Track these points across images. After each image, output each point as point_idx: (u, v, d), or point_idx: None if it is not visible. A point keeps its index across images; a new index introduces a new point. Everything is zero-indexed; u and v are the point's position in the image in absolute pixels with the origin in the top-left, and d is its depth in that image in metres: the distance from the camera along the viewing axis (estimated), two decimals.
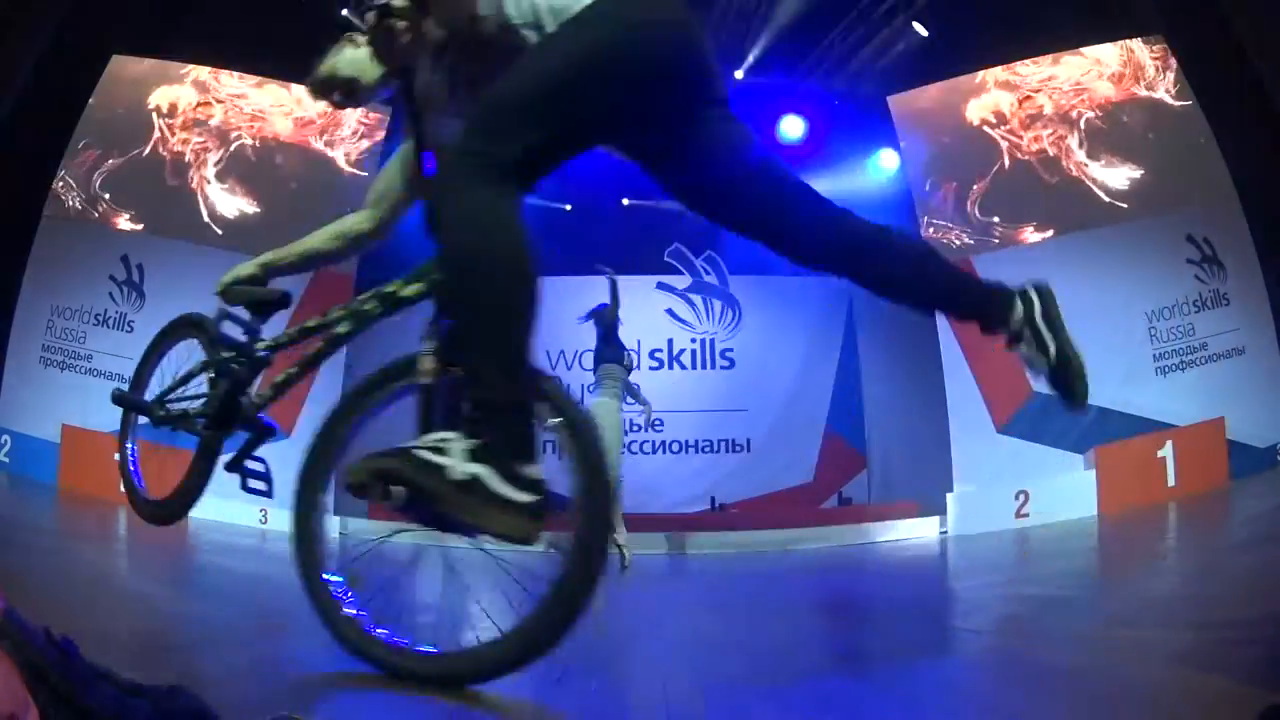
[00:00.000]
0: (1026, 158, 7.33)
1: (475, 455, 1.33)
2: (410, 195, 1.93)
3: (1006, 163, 7.39)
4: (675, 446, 9.14)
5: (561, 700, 1.61)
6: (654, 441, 9.20)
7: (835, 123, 8.41)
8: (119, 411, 2.45)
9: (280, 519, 6.77)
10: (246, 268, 2.09)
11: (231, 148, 7.49)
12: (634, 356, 9.41)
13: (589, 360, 9.50)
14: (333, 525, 7.03)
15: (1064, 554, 4.63)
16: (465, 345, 1.44)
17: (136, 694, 0.91)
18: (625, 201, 9.24)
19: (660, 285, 9.53)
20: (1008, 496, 6.58)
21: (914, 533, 7.07)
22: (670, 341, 9.52)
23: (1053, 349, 1.59)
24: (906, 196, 7.78)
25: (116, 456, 2.37)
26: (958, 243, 7.47)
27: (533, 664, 1.51)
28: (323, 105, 1.80)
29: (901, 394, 8.58)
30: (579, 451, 1.43)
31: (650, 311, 9.45)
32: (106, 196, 7.15)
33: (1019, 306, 1.63)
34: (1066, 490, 6.43)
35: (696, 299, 9.52)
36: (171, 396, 2.22)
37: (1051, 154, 7.25)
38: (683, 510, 8.42)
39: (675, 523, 7.69)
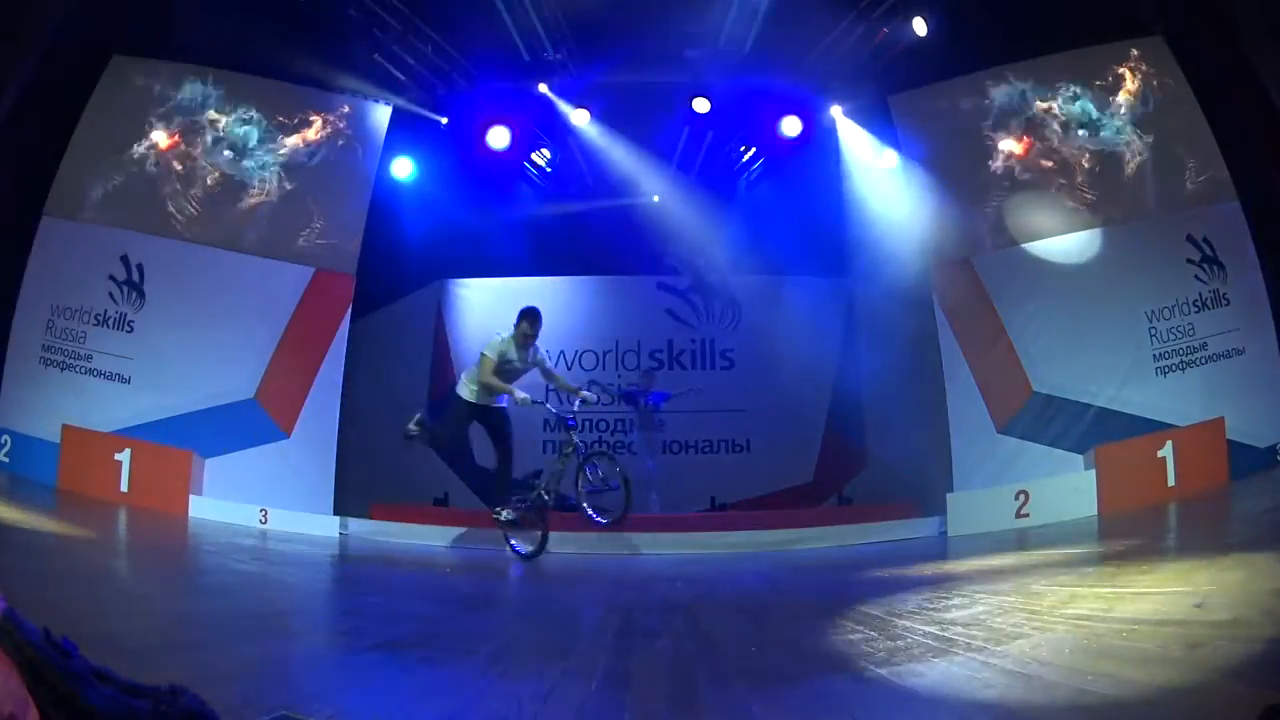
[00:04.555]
0: (1027, 158, 7.32)
1: None
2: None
3: (1007, 163, 7.38)
4: (675, 446, 9.13)
5: (563, 699, 1.61)
6: (654, 441, 9.20)
7: (835, 122, 8.39)
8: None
9: (280, 520, 6.79)
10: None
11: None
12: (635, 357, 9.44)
13: (589, 360, 9.53)
14: (333, 525, 7.06)
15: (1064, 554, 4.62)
16: None
17: (136, 694, 0.91)
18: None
19: (660, 285, 9.52)
20: (1008, 496, 6.56)
21: (914, 533, 7.05)
22: (670, 342, 9.51)
23: None
24: (906, 196, 7.76)
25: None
26: (958, 243, 7.45)
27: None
28: None
29: (901, 394, 8.56)
30: None
31: (650, 311, 9.44)
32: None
33: None
34: (1066, 490, 6.42)
35: (696, 299, 9.52)
36: None
37: (1052, 154, 7.24)
38: (683, 510, 8.40)
39: (675, 523, 7.67)
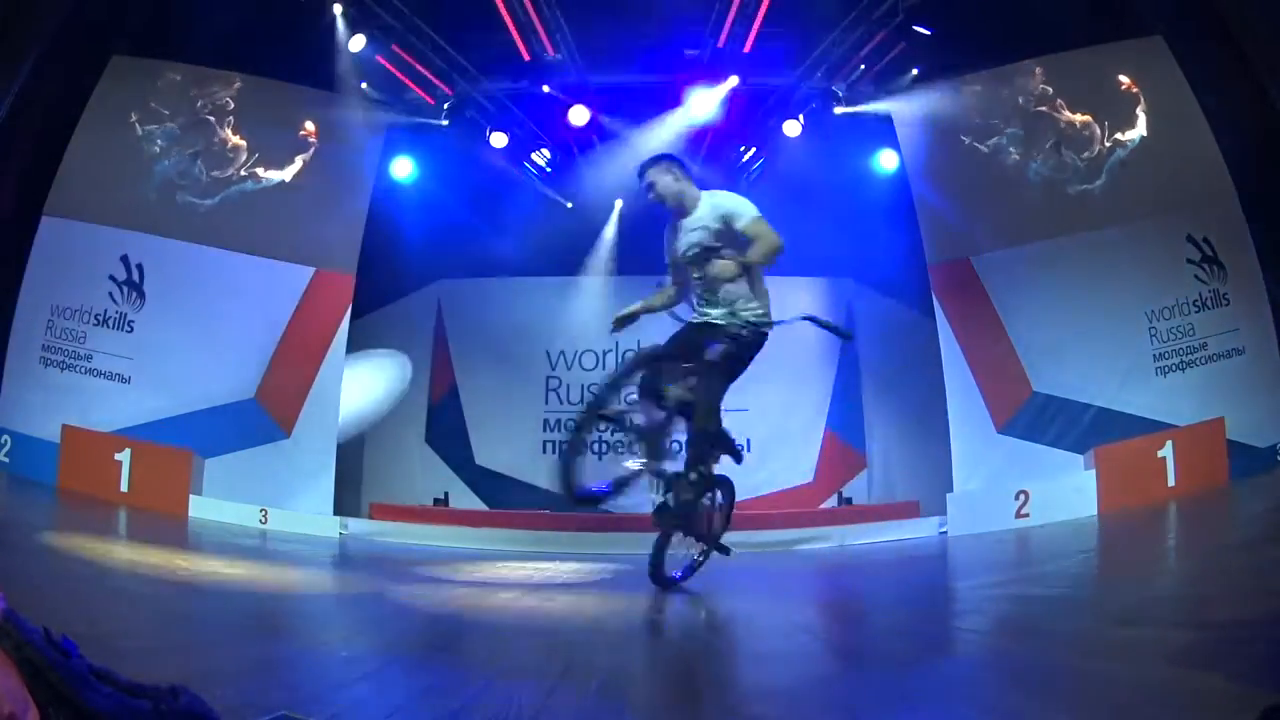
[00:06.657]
0: (1027, 157, 7.31)
1: None
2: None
3: (1007, 163, 7.38)
4: (675, 446, 9.14)
5: (563, 698, 1.62)
6: None
7: (835, 123, 8.38)
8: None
9: (280, 520, 6.79)
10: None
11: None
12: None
13: (589, 360, 9.52)
14: (333, 525, 7.07)
15: (1064, 554, 4.63)
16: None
17: (136, 694, 0.91)
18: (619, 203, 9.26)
19: (660, 285, 9.52)
20: (1008, 496, 6.56)
21: (914, 533, 7.05)
22: None
23: None
24: (906, 196, 7.76)
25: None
26: (958, 243, 7.45)
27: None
28: None
29: (901, 394, 8.58)
30: None
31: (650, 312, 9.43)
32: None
33: None
34: (1066, 490, 6.41)
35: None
36: None
37: (1052, 154, 7.24)
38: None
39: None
